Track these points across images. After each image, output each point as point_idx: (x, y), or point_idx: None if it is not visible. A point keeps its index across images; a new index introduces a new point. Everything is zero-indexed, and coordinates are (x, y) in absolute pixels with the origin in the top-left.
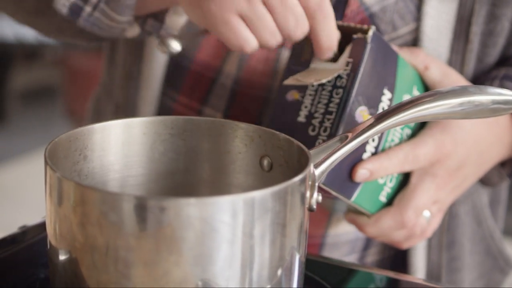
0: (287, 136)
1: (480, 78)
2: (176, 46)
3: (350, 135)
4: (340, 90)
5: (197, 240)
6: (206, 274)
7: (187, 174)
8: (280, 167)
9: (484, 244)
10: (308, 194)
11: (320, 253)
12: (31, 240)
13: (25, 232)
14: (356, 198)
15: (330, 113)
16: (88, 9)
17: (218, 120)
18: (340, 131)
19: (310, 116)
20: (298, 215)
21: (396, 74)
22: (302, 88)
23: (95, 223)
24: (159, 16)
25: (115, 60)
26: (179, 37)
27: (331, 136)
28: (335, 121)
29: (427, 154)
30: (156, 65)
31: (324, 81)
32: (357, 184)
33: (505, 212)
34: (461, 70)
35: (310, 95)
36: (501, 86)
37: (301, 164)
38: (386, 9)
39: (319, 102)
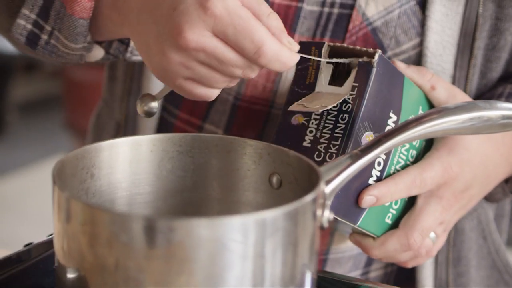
0: (297, 153)
1: (485, 95)
2: (154, 106)
3: (360, 152)
4: (346, 116)
5: (207, 260)
6: None
7: (195, 192)
8: (290, 184)
9: (490, 259)
10: (319, 212)
11: (323, 269)
12: (37, 258)
13: (31, 250)
14: (362, 222)
15: (336, 139)
16: (44, 37)
17: (226, 137)
18: None
19: (315, 141)
20: (309, 234)
21: (402, 96)
22: (307, 113)
23: (105, 243)
24: (124, 40)
25: (115, 76)
26: (155, 97)
27: None
28: (341, 147)
29: (434, 177)
30: (156, 81)
31: (329, 107)
32: (363, 209)
33: (509, 224)
34: (465, 85)
35: (316, 119)
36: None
37: (311, 181)
38: (389, 24)
39: (324, 127)
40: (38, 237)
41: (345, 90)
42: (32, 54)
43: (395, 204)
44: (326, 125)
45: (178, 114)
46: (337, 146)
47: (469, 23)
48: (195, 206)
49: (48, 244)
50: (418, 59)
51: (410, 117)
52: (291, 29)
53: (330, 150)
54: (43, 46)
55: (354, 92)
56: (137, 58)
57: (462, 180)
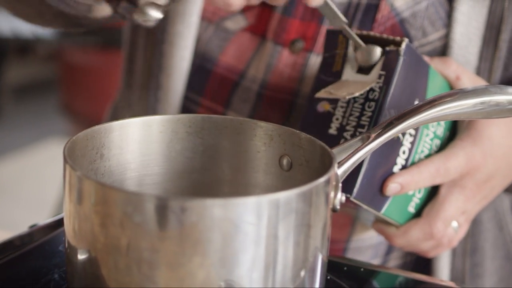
0: (309, 136)
1: None
2: (155, 13)
3: (372, 135)
4: (373, 103)
5: (221, 241)
6: (230, 276)
7: (204, 173)
8: (300, 166)
9: (505, 249)
10: (332, 194)
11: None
12: (42, 239)
13: (36, 231)
14: (386, 210)
15: (362, 126)
16: None
17: (236, 119)
18: None
19: (341, 129)
20: (322, 216)
21: (427, 85)
22: (334, 100)
23: (118, 223)
24: None
25: (133, 70)
26: (157, 5)
27: None
28: None
29: (458, 167)
30: (176, 77)
31: (356, 94)
32: (387, 197)
33: None
34: (488, 78)
35: (342, 107)
36: None
37: (323, 163)
38: (416, 15)
39: (351, 115)
40: (35, 219)
41: (372, 78)
42: (34, 20)
43: (419, 193)
44: (352, 112)
45: (201, 101)
46: None
47: (496, 16)
48: (204, 188)
49: (54, 225)
50: (443, 50)
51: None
52: (319, 21)
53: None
54: None
55: (381, 80)
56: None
57: (485, 170)
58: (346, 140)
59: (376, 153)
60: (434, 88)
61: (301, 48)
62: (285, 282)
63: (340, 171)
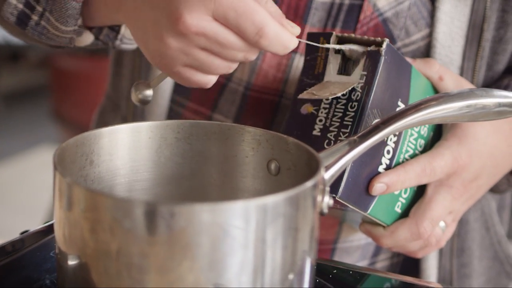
0: (296, 140)
1: (491, 87)
2: (149, 94)
3: (358, 139)
4: (355, 104)
5: (210, 245)
6: (219, 279)
7: (193, 179)
8: (288, 171)
9: (492, 250)
10: (319, 198)
11: (331, 259)
12: (33, 245)
13: (27, 237)
14: (372, 210)
15: (346, 126)
16: (35, 17)
17: (224, 124)
18: None
19: (325, 130)
20: (309, 220)
21: (410, 85)
22: (317, 102)
23: (107, 229)
24: (115, 26)
25: (121, 73)
26: (150, 84)
27: None
28: (351, 134)
29: (444, 166)
30: (167, 80)
31: (339, 94)
32: (373, 197)
33: (509, 216)
34: (472, 77)
35: (325, 108)
36: None
37: (310, 167)
38: (399, 15)
39: (334, 116)
40: (26, 225)
41: (354, 78)
42: (20, 38)
43: (405, 193)
44: (335, 113)
45: (187, 104)
46: (347, 134)
47: (478, 15)
48: (193, 193)
49: (45, 231)
50: (427, 50)
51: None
52: (302, 20)
53: (340, 138)
54: (33, 27)
55: (363, 81)
56: (126, 46)
57: (471, 170)
58: (330, 141)
59: (359, 159)
60: (417, 88)
61: None
62: (274, 285)
63: (327, 175)
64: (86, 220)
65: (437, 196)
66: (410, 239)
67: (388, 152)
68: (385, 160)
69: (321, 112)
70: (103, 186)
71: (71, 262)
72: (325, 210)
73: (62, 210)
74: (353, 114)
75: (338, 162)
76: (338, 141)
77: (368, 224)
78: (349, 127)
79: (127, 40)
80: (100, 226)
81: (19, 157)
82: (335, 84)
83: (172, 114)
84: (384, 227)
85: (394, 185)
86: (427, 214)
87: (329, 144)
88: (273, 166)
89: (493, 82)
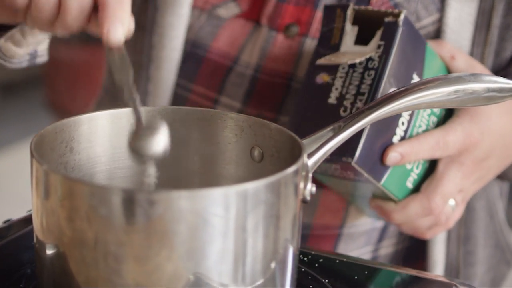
0: (279, 126)
1: (499, 73)
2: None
3: (342, 125)
4: (372, 72)
5: (189, 233)
6: (198, 268)
7: (175, 165)
8: (271, 157)
9: (495, 238)
10: (301, 185)
11: (337, 244)
12: (16, 234)
13: (9, 226)
14: (385, 181)
15: (362, 94)
16: None
17: (207, 110)
18: None
19: (341, 98)
20: (291, 207)
21: (424, 60)
22: (332, 71)
23: (84, 217)
24: None
25: None
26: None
27: None
28: (368, 99)
29: (456, 141)
30: (168, 62)
31: (357, 61)
32: (386, 168)
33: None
34: (481, 63)
35: (341, 77)
36: None
37: (293, 154)
38: None
39: (350, 84)
40: (19, 216)
41: (371, 48)
42: None
43: (417, 168)
44: (352, 82)
45: (193, 87)
46: (364, 100)
47: (487, 1)
48: (175, 180)
49: (28, 220)
50: (436, 35)
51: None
52: (314, 5)
53: (356, 105)
54: None
55: (380, 50)
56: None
57: (483, 148)
58: (346, 108)
59: (375, 126)
60: (431, 65)
61: (296, 32)
62: (255, 274)
63: (311, 161)
64: (63, 208)
65: (448, 172)
66: (421, 214)
67: (403, 123)
68: (399, 132)
69: (337, 81)
70: (83, 174)
71: (49, 251)
72: (308, 198)
73: (39, 198)
74: (370, 82)
75: (322, 148)
76: (355, 109)
77: (378, 199)
78: (366, 94)
79: (4, 57)
80: (76, 214)
81: (13, 147)
82: (352, 53)
83: (177, 98)
84: (395, 202)
85: (408, 155)
86: (438, 190)
87: (345, 111)
88: (256, 152)
89: (502, 69)
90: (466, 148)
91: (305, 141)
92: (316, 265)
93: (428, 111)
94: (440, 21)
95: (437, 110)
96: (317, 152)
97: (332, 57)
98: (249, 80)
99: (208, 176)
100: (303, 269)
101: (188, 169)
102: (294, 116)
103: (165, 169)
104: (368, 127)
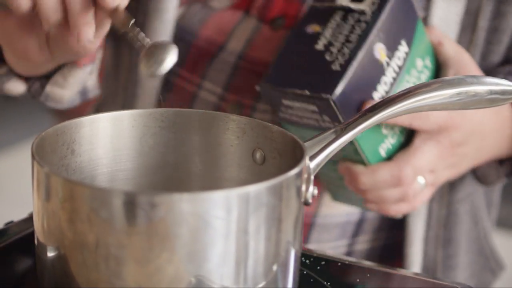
0: (280, 128)
1: (491, 73)
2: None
3: (344, 127)
4: (363, 24)
5: (190, 236)
6: (199, 271)
7: (177, 168)
8: (273, 159)
9: (479, 244)
10: (303, 187)
11: (310, 233)
12: (17, 236)
13: (11, 228)
14: (360, 136)
15: (350, 41)
16: None
17: (209, 112)
18: (359, 58)
19: (328, 45)
20: (293, 210)
21: (415, 32)
22: (324, 21)
23: (85, 219)
24: (44, 83)
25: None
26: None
27: (349, 61)
28: (355, 48)
29: (438, 117)
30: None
31: (353, 6)
32: None
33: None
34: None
35: (331, 28)
36: None
37: (295, 156)
38: None
39: (339, 33)
40: (20, 217)
41: (365, 4)
42: None
43: (392, 137)
44: (341, 32)
45: (180, 72)
46: (351, 47)
47: (474, 3)
48: (177, 183)
49: (29, 221)
50: None
51: (417, 60)
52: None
53: (343, 50)
54: None
55: (374, 6)
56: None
57: (461, 132)
58: (332, 54)
59: (358, 73)
60: (420, 41)
61: (282, 25)
62: (257, 277)
63: (313, 164)
64: (64, 210)
65: (423, 147)
66: (389, 183)
67: (386, 83)
68: (381, 90)
69: (327, 31)
70: (85, 176)
71: (50, 253)
72: (310, 200)
73: (40, 200)
74: (359, 32)
75: (324, 151)
76: (341, 55)
77: (348, 162)
78: (354, 42)
79: (50, 100)
80: (77, 217)
81: (14, 149)
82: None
83: (163, 83)
84: (365, 164)
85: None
86: (410, 161)
87: (330, 56)
88: (258, 155)
89: (488, 73)
90: (446, 127)
91: (307, 144)
92: (318, 267)
93: (414, 79)
94: (425, 20)
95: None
96: (319, 154)
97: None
98: (231, 67)
99: (210, 179)
100: (305, 272)
101: (190, 171)
102: (278, 61)
103: (166, 171)
104: (352, 72)
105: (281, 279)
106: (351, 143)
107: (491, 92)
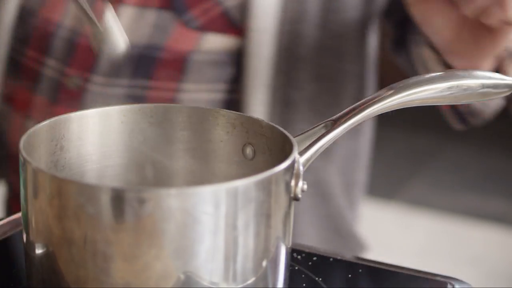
0: (270, 123)
1: None
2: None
3: (335, 122)
4: None
5: (178, 232)
6: (188, 267)
7: (167, 164)
8: (263, 155)
9: (331, 222)
10: (293, 182)
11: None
12: (7, 234)
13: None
14: None
15: None
16: None
17: (199, 108)
18: None
19: None
20: (283, 205)
21: None
22: None
23: (72, 216)
24: None
25: None
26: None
27: None
28: None
29: None
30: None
31: None
32: None
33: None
34: None
35: None
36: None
37: (284, 151)
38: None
39: None
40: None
41: None
42: None
43: None
44: None
45: (26, 52)
46: None
47: None
48: (167, 179)
49: (18, 220)
50: None
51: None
52: None
53: None
54: None
55: None
56: None
57: None
58: None
59: None
60: None
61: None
62: (246, 273)
63: (303, 159)
64: (51, 207)
65: None
66: None
67: None
68: None
69: None
70: (74, 172)
71: (38, 250)
72: (299, 196)
73: (28, 197)
74: None
75: (314, 146)
76: None
77: None
78: None
79: None
80: (65, 213)
81: None
82: None
83: (12, 61)
84: None
85: None
86: None
87: None
88: (248, 150)
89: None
90: None
91: (296, 138)
92: (310, 263)
93: None
94: None
95: None
96: (309, 149)
97: None
98: (68, 43)
99: (200, 175)
100: (296, 268)
101: (179, 167)
102: None
103: (157, 167)
104: None
105: (271, 275)
106: None
107: (483, 86)
